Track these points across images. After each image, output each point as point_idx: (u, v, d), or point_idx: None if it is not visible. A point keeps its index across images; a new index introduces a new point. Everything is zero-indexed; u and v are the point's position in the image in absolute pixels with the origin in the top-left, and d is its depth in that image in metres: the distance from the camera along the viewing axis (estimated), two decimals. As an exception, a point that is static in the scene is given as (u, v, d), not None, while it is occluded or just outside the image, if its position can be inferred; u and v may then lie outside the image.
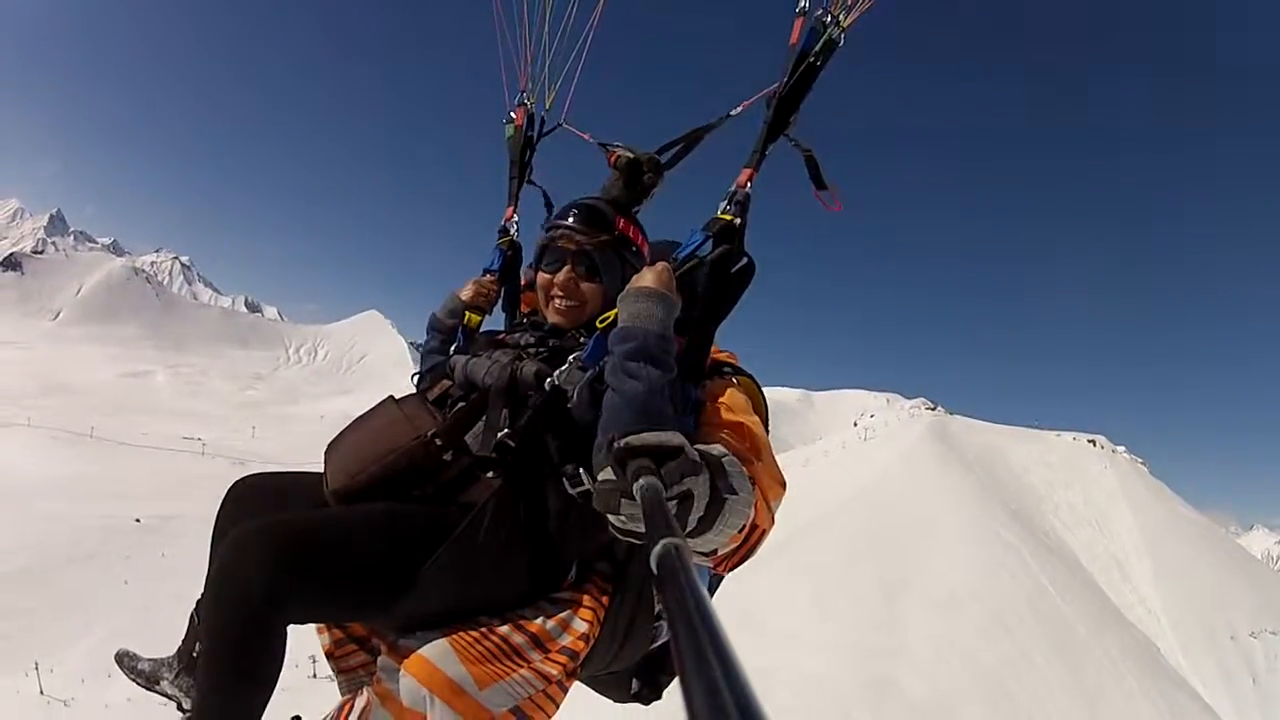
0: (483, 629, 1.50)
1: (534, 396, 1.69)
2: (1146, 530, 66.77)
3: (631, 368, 1.47)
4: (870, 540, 27.84)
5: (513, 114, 2.56)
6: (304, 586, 1.41)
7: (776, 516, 1.60)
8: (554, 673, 1.50)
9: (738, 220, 1.73)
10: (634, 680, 1.93)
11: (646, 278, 1.62)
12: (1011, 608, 28.75)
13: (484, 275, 2.36)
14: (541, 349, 1.83)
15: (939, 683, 21.08)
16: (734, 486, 1.35)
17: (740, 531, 1.38)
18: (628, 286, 1.64)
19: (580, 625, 1.57)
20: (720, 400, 1.67)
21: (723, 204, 1.76)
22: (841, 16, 1.80)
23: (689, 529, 1.27)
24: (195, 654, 1.82)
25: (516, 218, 2.47)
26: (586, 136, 2.33)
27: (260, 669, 1.43)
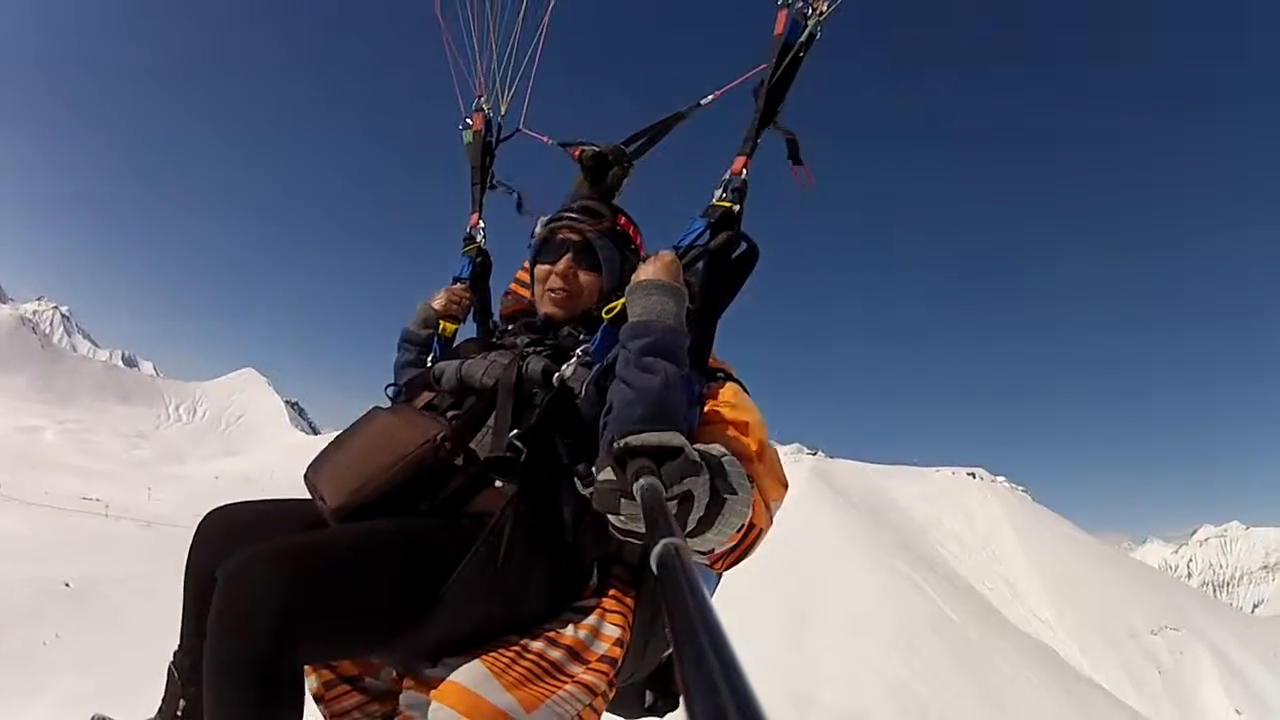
0: (516, 648, 1.38)
1: (541, 394, 1.64)
2: (1033, 551, 71.45)
3: (648, 363, 1.43)
4: (775, 574, 29.98)
5: (469, 120, 2.55)
6: (320, 620, 1.26)
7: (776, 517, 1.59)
8: (599, 683, 1.41)
9: (736, 207, 1.74)
10: (647, 692, 1.86)
11: (654, 269, 1.59)
12: (911, 627, 31.15)
13: (454, 284, 2.32)
14: (540, 349, 1.78)
15: (854, 694, 22.75)
16: (733, 486, 1.32)
17: (739, 531, 1.36)
18: (635, 278, 1.60)
19: (613, 630, 1.47)
20: (726, 399, 1.65)
21: (718, 192, 1.77)
22: (824, 7, 1.86)
23: (689, 529, 1.25)
24: (180, 713, 1.64)
25: (483, 224, 2.43)
26: (545, 139, 2.32)
27: None
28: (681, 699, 0.41)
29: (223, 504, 1.70)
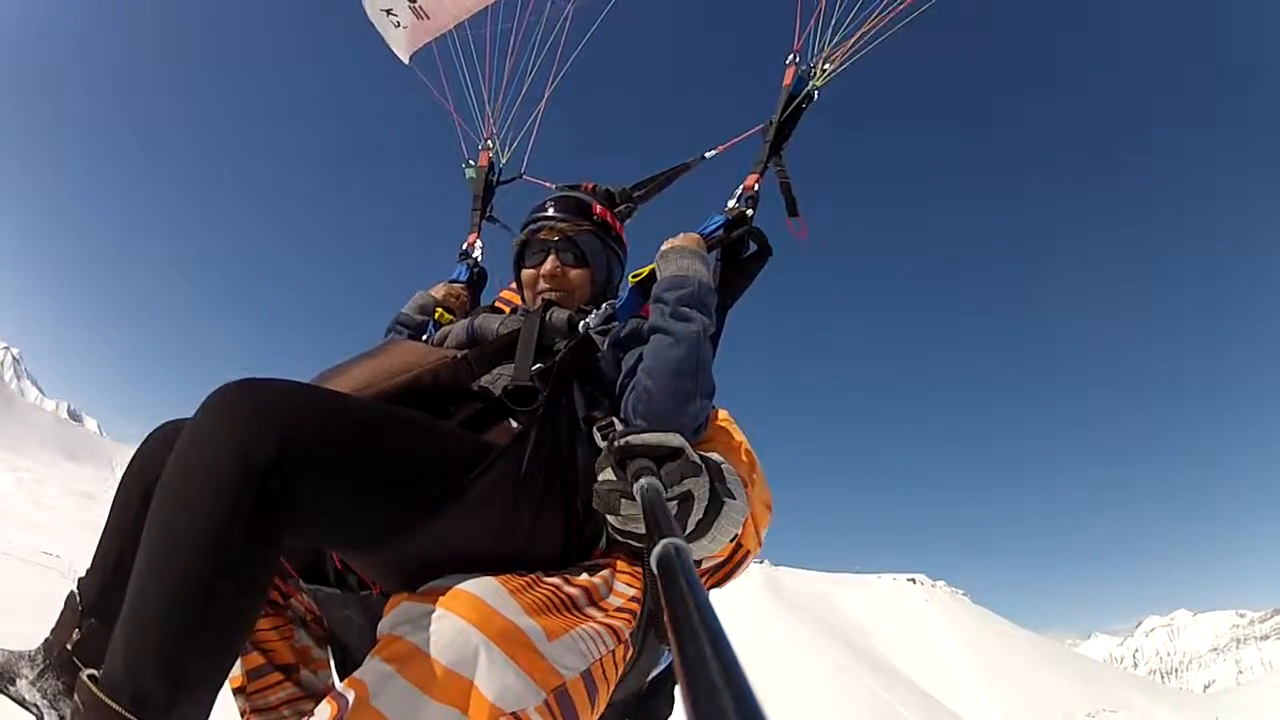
0: (529, 577, 1.18)
1: (562, 342, 1.65)
2: (973, 649, 76.05)
3: (684, 312, 1.54)
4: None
5: (471, 160, 2.78)
6: (329, 457, 1.01)
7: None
8: (623, 629, 1.23)
9: (749, 211, 2.00)
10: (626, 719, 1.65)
11: (683, 239, 1.75)
12: (860, 719, 34.68)
13: (451, 283, 2.36)
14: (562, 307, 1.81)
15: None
16: (732, 491, 1.30)
17: (732, 541, 1.34)
18: (664, 246, 1.72)
19: (626, 589, 1.32)
20: (724, 419, 1.72)
21: (731, 202, 2.02)
22: (825, 71, 2.17)
23: (687, 531, 1.22)
24: (71, 645, 1.31)
25: (480, 244, 2.58)
26: (549, 184, 2.41)
27: (246, 571, 0.93)
28: (682, 699, 0.40)
29: (176, 419, 1.36)
